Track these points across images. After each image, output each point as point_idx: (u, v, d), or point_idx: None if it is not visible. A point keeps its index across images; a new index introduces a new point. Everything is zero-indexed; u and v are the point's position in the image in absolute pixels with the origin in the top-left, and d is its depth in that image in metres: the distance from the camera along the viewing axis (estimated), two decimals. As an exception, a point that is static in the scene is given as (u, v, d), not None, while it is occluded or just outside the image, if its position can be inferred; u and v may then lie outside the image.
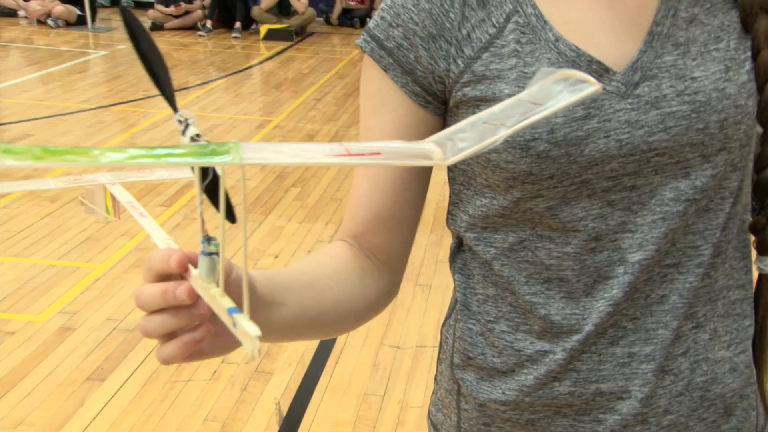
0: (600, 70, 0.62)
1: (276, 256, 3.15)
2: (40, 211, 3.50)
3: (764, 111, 0.64)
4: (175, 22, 8.64)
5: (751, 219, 0.70)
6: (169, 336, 0.49)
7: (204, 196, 0.47)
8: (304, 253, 3.17)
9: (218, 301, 0.45)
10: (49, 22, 8.41)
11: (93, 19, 8.39)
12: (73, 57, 7.04)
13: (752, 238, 0.70)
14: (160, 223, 3.43)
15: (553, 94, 0.43)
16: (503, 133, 0.41)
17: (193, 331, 0.49)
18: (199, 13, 8.71)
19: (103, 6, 9.75)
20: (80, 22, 8.42)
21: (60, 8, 8.46)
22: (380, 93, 0.68)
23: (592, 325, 0.66)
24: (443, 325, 0.78)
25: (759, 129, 0.66)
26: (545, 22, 0.63)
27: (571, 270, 0.66)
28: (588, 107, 0.61)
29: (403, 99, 0.67)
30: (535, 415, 0.70)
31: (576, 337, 0.67)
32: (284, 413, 2.17)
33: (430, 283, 2.95)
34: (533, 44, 0.63)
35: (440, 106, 0.67)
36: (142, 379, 2.31)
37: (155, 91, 0.48)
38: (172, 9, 8.59)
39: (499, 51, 0.63)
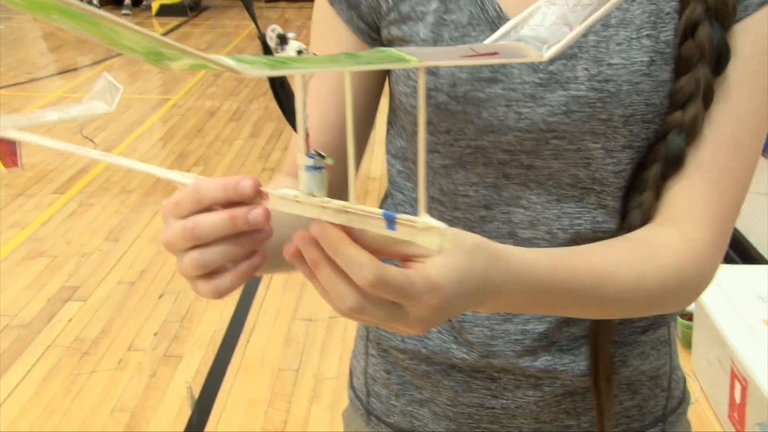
0: None
1: (180, 238, 3.05)
2: None
3: (670, 103, 0.59)
4: None
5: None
6: (215, 271, 0.44)
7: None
8: (209, 233, 3.09)
9: (356, 209, 0.39)
10: None
11: (-34, -1, 7.80)
12: (-53, 40, 6.55)
13: None
14: (54, 211, 3.26)
15: None
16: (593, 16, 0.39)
17: (249, 259, 0.44)
18: (84, -11, 8.25)
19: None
20: (-48, 2, 7.82)
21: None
22: (326, 23, 0.68)
23: None
24: None
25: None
26: None
27: None
28: (495, 71, 0.60)
29: (348, 33, 0.66)
30: (431, 367, 0.70)
31: None
32: (196, 396, 2.12)
33: (339, 254, 2.94)
34: None
35: (384, 44, 0.66)
36: (40, 376, 2.20)
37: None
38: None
39: None
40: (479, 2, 0.61)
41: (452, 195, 0.65)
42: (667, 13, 0.58)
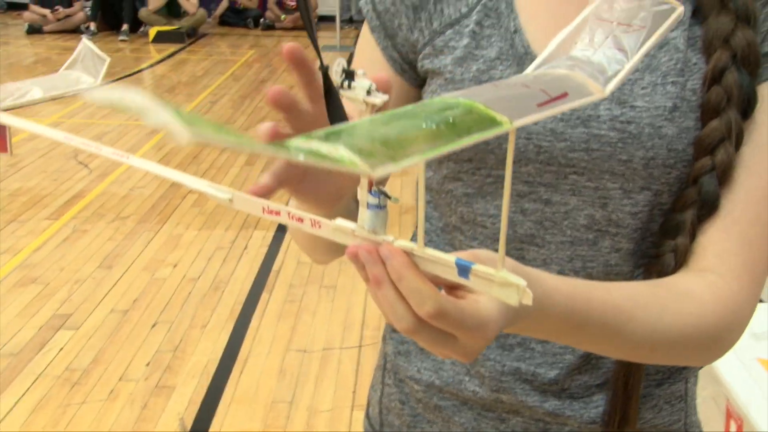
0: None
1: (174, 266, 3.04)
2: None
3: (697, 147, 0.59)
4: (55, 25, 8.20)
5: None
6: None
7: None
8: (204, 262, 3.08)
9: (426, 254, 0.39)
10: None
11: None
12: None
13: None
14: (47, 237, 3.24)
15: (635, 15, 0.42)
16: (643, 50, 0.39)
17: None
18: (81, 15, 8.31)
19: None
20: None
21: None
22: (366, 51, 0.70)
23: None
24: None
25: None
26: (512, 10, 0.63)
27: None
28: None
29: (382, 62, 0.69)
30: (444, 402, 0.70)
31: None
32: (188, 428, 2.09)
33: (334, 284, 2.92)
34: (493, 29, 0.63)
35: (415, 76, 0.69)
36: (29, 406, 2.16)
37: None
38: (49, 13, 8.14)
39: (461, 30, 0.64)
40: (509, 39, 0.63)
41: (472, 224, 0.65)
42: (695, 63, 0.59)
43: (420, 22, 0.66)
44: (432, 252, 0.39)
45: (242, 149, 0.29)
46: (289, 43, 0.44)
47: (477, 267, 0.38)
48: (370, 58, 0.70)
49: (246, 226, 3.40)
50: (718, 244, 0.58)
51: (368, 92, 0.41)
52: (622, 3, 0.43)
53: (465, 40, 0.64)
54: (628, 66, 0.40)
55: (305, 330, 2.60)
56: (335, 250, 0.62)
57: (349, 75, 0.41)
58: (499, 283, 0.38)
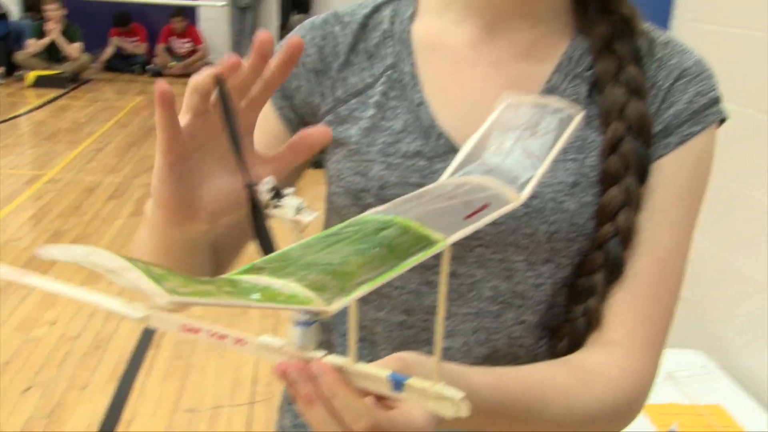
0: (447, 149, 0.62)
1: (52, 324, 2.86)
2: None
3: (600, 215, 0.60)
4: None
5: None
6: None
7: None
8: (84, 320, 2.91)
9: (358, 371, 0.38)
10: None
11: None
12: None
13: None
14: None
15: (543, 122, 0.43)
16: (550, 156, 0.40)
17: None
18: (-49, 57, 7.83)
19: None
20: None
21: None
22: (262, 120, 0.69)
23: None
24: None
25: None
26: (416, 83, 0.64)
27: (381, 336, 0.66)
28: (424, 177, 0.61)
29: (276, 120, 0.68)
30: None
31: None
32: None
33: (225, 338, 2.84)
34: (398, 101, 0.64)
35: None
36: None
37: None
38: None
39: (366, 100, 0.65)
40: (414, 111, 0.63)
41: (377, 295, 0.65)
42: (592, 141, 0.61)
43: (322, 87, 0.66)
44: (364, 367, 0.39)
45: (217, 304, 0.28)
46: (162, 84, 0.44)
47: (411, 381, 0.38)
48: (263, 114, 0.69)
49: (131, 280, 3.25)
50: (623, 316, 0.60)
51: (297, 210, 0.40)
52: (526, 109, 0.46)
53: (370, 111, 0.64)
54: (540, 171, 0.42)
55: (194, 388, 2.50)
56: (192, 254, 0.59)
57: (277, 194, 0.40)
58: (434, 396, 0.38)
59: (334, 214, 0.67)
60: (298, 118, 0.68)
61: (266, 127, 0.68)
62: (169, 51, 8.60)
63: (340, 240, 0.34)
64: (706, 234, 2.02)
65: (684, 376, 2.00)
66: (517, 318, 0.63)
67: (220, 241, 0.63)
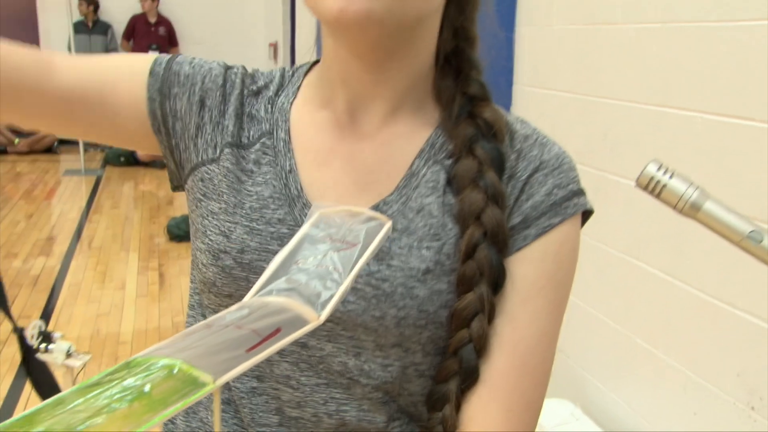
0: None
1: None
2: None
3: (455, 320, 0.60)
4: None
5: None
6: None
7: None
8: None
9: None
10: None
11: None
12: None
13: None
14: None
15: (354, 233, 0.43)
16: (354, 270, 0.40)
17: None
18: None
19: None
20: None
21: None
22: (134, 75, 0.68)
23: None
24: None
25: None
26: (289, 150, 0.65)
27: (230, 403, 0.65)
28: (284, 245, 0.59)
29: (142, 106, 0.67)
30: None
31: None
32: None
33: None
34: (270, 167, 0.64)
35: (167, 145, 0.68)
36: None
37: None
38: None
39: (239, 160, 0.65)
40: (284, 178, 0.64)
41: None
42: (450, 228, 0.61)
43: (200, 117, 0.67)
44: None
45: None
46: None
47: None
48: (132, 86, 0.67)
49: (-29, 377, 2.94)
50: (482, 416, 0.60)
51: (67, 355, 0.38)
52: (337, 219, 0.46)
53: (243, 173, 0.65)
54: (341, 289, 0.42)
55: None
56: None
57: (46, 338, 0.38)
58: None
59: (195, 268, 0.67)
60: (163, 119, 0.67)
61: (130, 99, 0.67)
62: (13, 128, 8.12)
63: (99, 393, 0.32)
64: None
65: (554, 425, 2.07)
66: (364, 394, 0.63)
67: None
